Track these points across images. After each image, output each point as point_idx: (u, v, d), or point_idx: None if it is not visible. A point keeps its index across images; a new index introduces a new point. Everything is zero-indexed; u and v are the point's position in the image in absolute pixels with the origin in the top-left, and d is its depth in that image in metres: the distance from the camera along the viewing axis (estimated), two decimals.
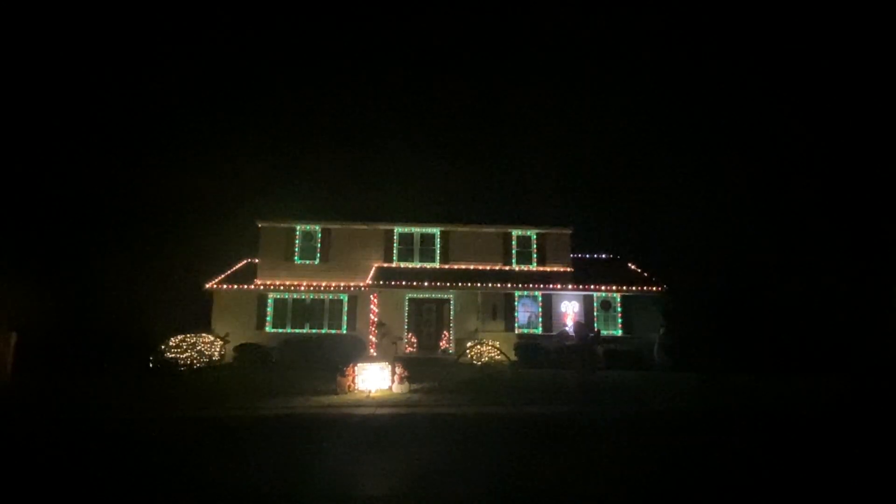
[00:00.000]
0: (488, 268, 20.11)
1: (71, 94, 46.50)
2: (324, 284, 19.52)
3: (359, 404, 10.52)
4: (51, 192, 29.92)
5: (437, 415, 9.59)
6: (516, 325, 19.24)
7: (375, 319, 18.36)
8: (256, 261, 20.54)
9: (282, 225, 20.33)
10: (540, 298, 19.47)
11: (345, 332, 19.31)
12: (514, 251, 20.57)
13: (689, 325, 15.21)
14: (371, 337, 18.20)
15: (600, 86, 62.71)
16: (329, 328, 19.36)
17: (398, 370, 12.29)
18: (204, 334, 16.87)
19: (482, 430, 8.47)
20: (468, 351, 16.98)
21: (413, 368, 13.27)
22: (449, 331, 19.45)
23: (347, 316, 19.53)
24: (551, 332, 18.95)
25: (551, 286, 19.18)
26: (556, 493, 5.30)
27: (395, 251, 20.39)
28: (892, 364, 16.56)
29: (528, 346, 17.99)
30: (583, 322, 15.48)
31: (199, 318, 18.96)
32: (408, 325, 19.61)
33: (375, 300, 18.55)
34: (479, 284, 18.78)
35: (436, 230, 20.58)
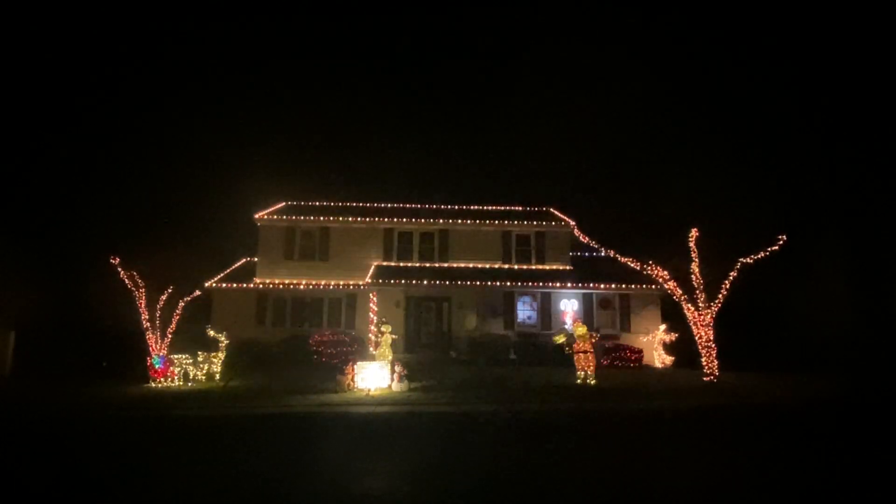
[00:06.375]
0: (487, 266, 20.07)
1: (71, 94, 46.48)
2: (323, 283, 19.49)
3: (358, 403, 10.53)
4: (50, 192, 29.92)
5: (437, 413, 9.60)
6: (515, 323, 19.22)
7: (375, 318, 18.32)
8: (256, 259, 20.52)
9: (281, 223, 20.31)
10: (539, 297, 19.45)
11: (344, 330, 19.27)
12: (513, 249, 20.53)
13: (688, 323, 15.26)
14: (370, 335, 18.16)
15: (600, 79, 62.71)
16: (328, 327, 19.32)
17: (397, 369, 12.31)
18: (203, 333, 16.80)
19: (481, 429, 8.48)
20: (468, 349, 16.98)
21: (412, 367, 13.28)
22: (448, 329, 19.41)
23: (347, 315, 19.50)
24: (550, 330, 18.93)
25: (550, 284, 19.16)
26: (555, 490, 5.30)
27: (394, 249, 20.37)
28: (892, 363, 16.57)
29: (527, 345, 17.97)
30: (582, 320, 15.46)
31: (198, 317, 18.90)
32: (407, 324, 19.57)
33: (375, 299, 18.52)
34: (478, 283, 18.76)
35: (435, 228, 20.55)
